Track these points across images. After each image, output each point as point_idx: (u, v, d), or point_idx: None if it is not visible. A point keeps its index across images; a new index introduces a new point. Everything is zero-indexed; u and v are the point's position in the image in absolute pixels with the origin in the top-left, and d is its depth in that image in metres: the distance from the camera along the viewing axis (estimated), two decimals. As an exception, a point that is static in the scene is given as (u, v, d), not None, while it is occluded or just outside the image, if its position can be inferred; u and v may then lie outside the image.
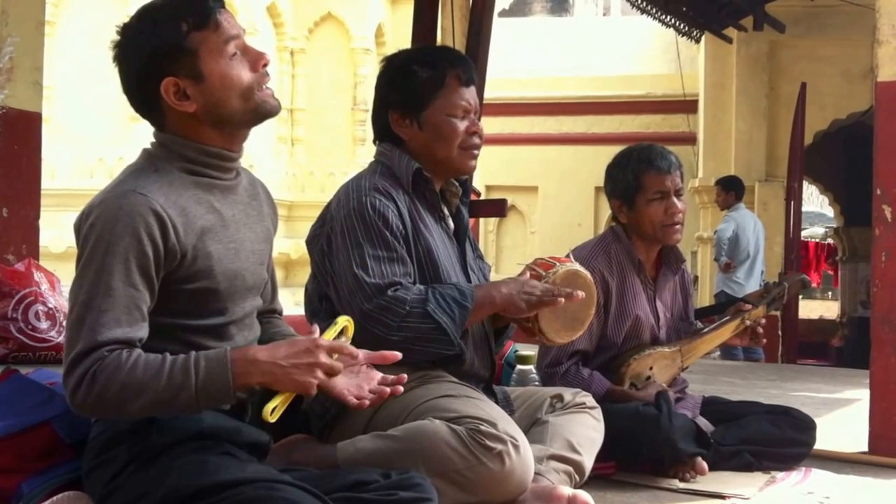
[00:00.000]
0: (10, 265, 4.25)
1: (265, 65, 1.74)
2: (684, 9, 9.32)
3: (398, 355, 1.75)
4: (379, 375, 1.76)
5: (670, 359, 2.79)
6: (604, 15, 19.99)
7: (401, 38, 8.04)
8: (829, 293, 17.46)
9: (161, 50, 1.66)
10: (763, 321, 2.92)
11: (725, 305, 3.18)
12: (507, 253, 13.09)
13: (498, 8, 8.67)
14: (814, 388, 5.16)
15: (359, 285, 2.07)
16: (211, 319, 1.70)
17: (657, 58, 12.42)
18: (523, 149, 12.63)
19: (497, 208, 6.37)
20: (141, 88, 1.69)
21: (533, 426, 2.24)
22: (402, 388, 1.74)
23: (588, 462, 2.22)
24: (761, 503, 2.40)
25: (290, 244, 8.28)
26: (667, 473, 2.54)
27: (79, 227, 1.62)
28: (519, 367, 2.71)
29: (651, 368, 2.75)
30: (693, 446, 2.54)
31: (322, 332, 1.68)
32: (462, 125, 2.23)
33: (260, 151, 7.98)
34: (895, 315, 2.98)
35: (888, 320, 2.98)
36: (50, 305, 4.16)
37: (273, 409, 1.57)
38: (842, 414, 4.13)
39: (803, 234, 12.40)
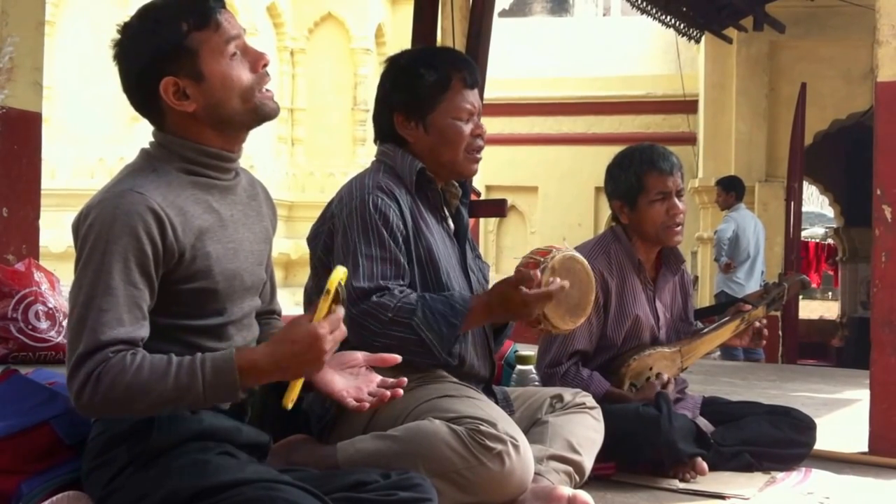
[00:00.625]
0: (10, 265, 4.25)
1: (265, 65, 1.74)
2: (684, 9, 9.32)
3: (398, 358, 1.75)
4: (378, 378, 1.75)
5: (670, 359, 2.79)
6: (604, 15, 19.99)
7: (401, 38, 8.04)
8: (830, 294, 17.45)
9: (161, 49, 1.65)
10: (765, 321, 2.92)
11: (725, 306, 3.18)
12: (507, 253, 13.08)
13: (498, 8, 8.66)
14: (814, 389, 5.16)
15: (347, 287, 2.07)
16: (210, 320, 1.70)
17: (657, 58, 12.42)
18: (523, 149, 12.63)
19: (497, 208, 6.38)
20: (141, 87, 1.69)
21: (533, 426, 2.24)
22: (401, 392, 1.74)
23: (588, 462, 2.22)
24: (761, 503, 2.40)
25: (290, 244, 8.28)
26: (667, 474, 2.54)
27: (77, 227, 1.62)
28: (519, 367, 2.71)
29: (651, 369, 2.75)
30: (693, 447, 2.54)
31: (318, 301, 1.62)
32: (467, 128, 2.23)
33: (260, 151, 7.98)
34: (895, 316, 2.98)
35: (888, 321, 2.98)
36: (50, 305, 4.16)
37: (292, 398, 1.57)
38: (842, 414, 4.13)
39: (803, 234, 12.40)
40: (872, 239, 3.03)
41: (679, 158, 2.84)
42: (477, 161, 2.27)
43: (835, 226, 14.18)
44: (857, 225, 12.47)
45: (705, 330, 2.91)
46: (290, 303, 6.82)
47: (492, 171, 11.68)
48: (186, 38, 1.66)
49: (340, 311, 1.59)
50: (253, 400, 1.77)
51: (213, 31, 1.68)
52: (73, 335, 1.55)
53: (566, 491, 2.02)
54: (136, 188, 1.61)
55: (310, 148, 9.03)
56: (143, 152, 1.74)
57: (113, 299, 1.55)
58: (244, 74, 1.70)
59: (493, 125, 11.08)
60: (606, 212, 11.22)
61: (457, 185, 2.35)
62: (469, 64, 2.30)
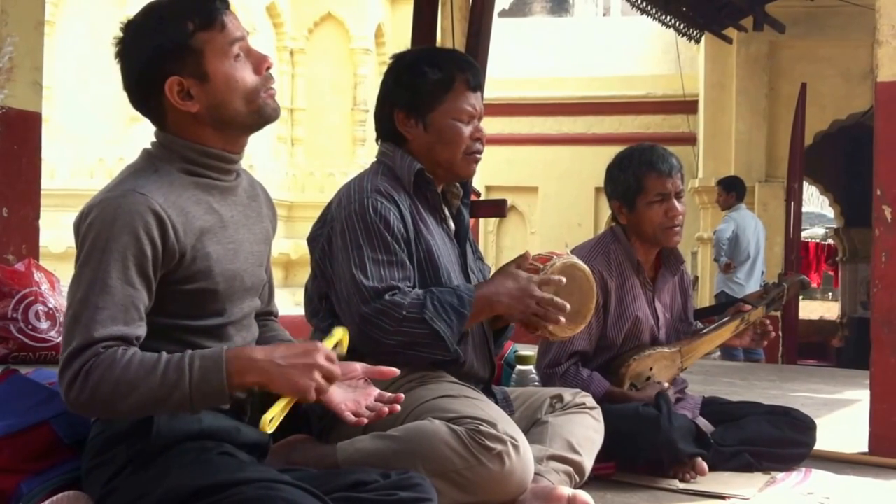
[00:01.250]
0: (10, 265, 4.25)
1: (269, 68, 1.74)
2: (684, 9, 9.33)
3: (396, 371, 1.75)
4: (376, 392, 1.76)
5: (670, 359, 2.79)
6: (604, 15, 19.99)
7: (400, 38, 8.04)
8: (830, 294, 17.44)
9: (166, 48, 1.65)
10: (768, 322, 2.92)
11: (725, 306, 3.18)
12: (507, 253, 13.07)
13: (498, 8, 8.67)
14: (814, 389, 5.16)
15: (356, 288, 2.07)
16: (209, 320, 1.70)
17: (657, 58, 12.42)
18: (523, 149, 12.63)
19: (497, 208, 6.37)
20: (143, 86, 1.69)
21: (533, 426, 2.24)
22: (398, 407, 1.73)
23: (588, 462, 2.22)
24: (761, 503, 2.40)
25: (290, 244, 8.28)
26: (666, 474, 2.54)
27: (78, 226, 1.62)
28: (518, 367, 2.71)
29: (651, 369, 2.75)
30: (693, 447, 2.54)
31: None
32: (467, 130, 2.23)
33: (259, 151, 7.98)
34: (895, 316, 2.98)
35: (888, 321, 2.98)
36: (50, 305, 4.15)
37: (271, 419, 1.55)
38: (842, 414, 4.13)
39: (803, 234, 12.39)
40: (872, 239, 3.03)
41: (680, 160, 2.83)
42: (475, 163, 2.26)
43: (835, 226, 14.18)
44: (857, 225, 12.47)
45: (705, 330, 2.91)
46: (289, 303, 6.83)
47: (492, 172, 11.69)
48: (192, 37, 1.66)
49: (337, 370, 1.59)
50: (252, 400, 1.76)
51: (219, 31, 1.68)
52: (67, 331, 1.55)
53: (566, 491, 2.02)
54: (139, 188, 1.61)
55: (309, 148, 9.03)
56: (145, 152, 1.74)
57: (109, 298, 1.55)
58: (248, 76, 1.70)
59: (493, 125, 11.11)
60: (606, 212, 11.23)
61: (458, 185, 2.34)
62: (474, 67, 2.30)
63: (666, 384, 2.72)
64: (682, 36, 9.99)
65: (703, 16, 9.49)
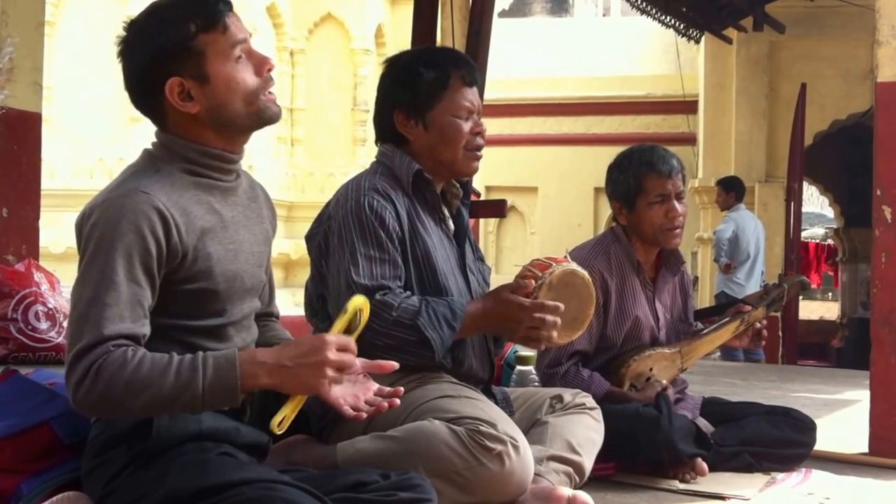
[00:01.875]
0: (10, 265, 4.25)
1: (270, 69, 1.74)
2: (684, 9, 9.33)
3: (395, 365, 1.74)
4: (376, 386, 1.75)
5: (670, 360, 2.79)
6: (603, 15, 19.98)
7: (400, 38, 8.04)
8: (830, 294, 17.45)
9: (167, 49, 1.65)
10: (765, 322, 2.92)
11: (725, 307, 3.18)
12: (506, 254, 13.09)
13: (498, 8, 8.67)
14: (814, 389, 5.16)
15: (348, 285, 2.07)
16: (209, 321, 1.70)
17: (657, 58, 12.42)
18: (523, 149, 12.63)
19: (497, 209, 6.38)
20: (144, 86, 1.69)
21: (533, 427, 2.24)
22: (398, 402, 1.73)
23: (588, 463, 2.22)
24: (761, 504, 2.40)
25: (290, 244, 8.28)
26: (666, 474, 2.54)
27: (80, 226, 1.62)
28: (518, 367, 2.71)
29: (651, 369, 2.75)
30: (693, 447, 2.54)
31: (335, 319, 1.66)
32: (466, 126, 2.23)
33: (259, 151, 7.97)
34: (895, 316, 2.98)
35: (888, 321, 2.98)
36: (50, 306, 4.15)
37: (280, 421, 1.56)
38: (842, 415, 4.13)
39: (803, 234, 12.40)
40: (872, 239, 3.03)
41: (680, 160, 2.83)
42: (477, 160, 2.27)
43: (835, 226, 14.18)
44: (856, 225, 12.47)
45: (705, 331, 2.91)
46: (289, 303, 6.82)
47: (491, 172, 11.68)
48: (193, 39, 1.66)
49: (352, 343, 1.59)
50: (252, 400, 1.76)
51: (221, 33, 1.68)
52: (75, 329, 1.55)
53: (566, 491, 2.02)
54: (142, 188, 1.62)
55: (309, 148, 9.03)
56: (146, 152, 1.74)
57: (116, 295, 1.55)
58: (249, 78, 1.71)
59: (492, 126, 11.06)
60: (606, 212, 11.26)
61: (458, 185, 2.35)
62: (468, 63, 2.31)
63: (665, 382, 2.72)
64: (682, 36, 9.98)
65: (703, 16, 9.49)
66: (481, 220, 10.96)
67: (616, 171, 2.81)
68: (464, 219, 2.35)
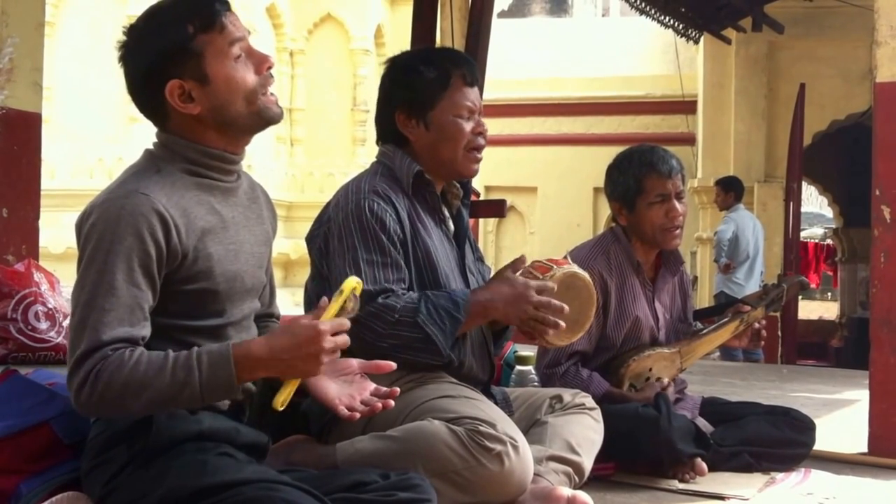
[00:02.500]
0: (10, 265, 4.25)
1: (269, 68, 1.74)
2: (683, 10, 9.33)
3: (393, 365, 1.75)
4: (372, 386, 1.75)
5: (670, 360, 2.79)
6: (603, 16, 19.97)
7: (400, 38, 8.04)
8: (829, 294, 17.46)
9: (167, 51, 1.66)
10: (764, 322, 2.93)
11: (725, 306, 3.18)
12: (506, 254, 13.07)
13: (497, 9, 8.67)
14: (813, 389, 5.16)
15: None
16: (209, 321, 1.71)
17: (656, 58, 12.42)
18: (523, 149, 12.63)
19: (496, 209, 6.38)
20: (145, 89, 1.69)
21: (532, 427, 2.24)
22: (392, 403, 1.74)
23: (587, 463, 2.22)
24: (760, 504, 2.40)
25: (290, 244, 8.29)
26: (666, 474, 2.54)
27: (80, 226, 1.62)
28: (518, 367, 2.71)
29: (650, 369, 2.75)
30: (692, 447, 2.54)
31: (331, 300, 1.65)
32: (468, 126, 2.23)
33: (259, 151, 7.98)
34: (894, 316, 2.98)
35: (887, 321, 2.98)
36: (50, 306, 4.15)
37: (282, 400, 1.58)
38: (841, 415, 4.13)
39: (802, 234, 12.39)
40: (871, 239, 3.03)
41: (680, 160, 2.83)
42: (477, 161, 2.27)
43: (834, 226, 14.19)
44: (856, 225, 12.47)
45: (705, 331, 2.91)
46: (289, 303, 6.82)
47: (491, 172, 11.68)
48: (192, 40, 1.66)
49: (346, 323, 1.59)
50: (251, 400, 1.77)
51: (219, 33, 1.68)
52: (75, 334, 1.56)
53: (565, 491, 2.02)
54: (142, 189, 1.62)
55: (309, 148, 9.04)
56: (147, 153, 1.74)
57: (115, 299, 1.56)
58: (248, 76, 1.71)
59: (492, 126, 11.02)
60: (606, 212, 11.25)
61: (458, 185, 2.35)
62: (469, 62, 2.31)
63: (667, 381, 2.72)
64: (681, 36, 9.99)
65: (702, 16, 9.49)
66: (481, 220, 10.98)
67: (616, 171, 2.81)
68: (464, 219, 2.35)
